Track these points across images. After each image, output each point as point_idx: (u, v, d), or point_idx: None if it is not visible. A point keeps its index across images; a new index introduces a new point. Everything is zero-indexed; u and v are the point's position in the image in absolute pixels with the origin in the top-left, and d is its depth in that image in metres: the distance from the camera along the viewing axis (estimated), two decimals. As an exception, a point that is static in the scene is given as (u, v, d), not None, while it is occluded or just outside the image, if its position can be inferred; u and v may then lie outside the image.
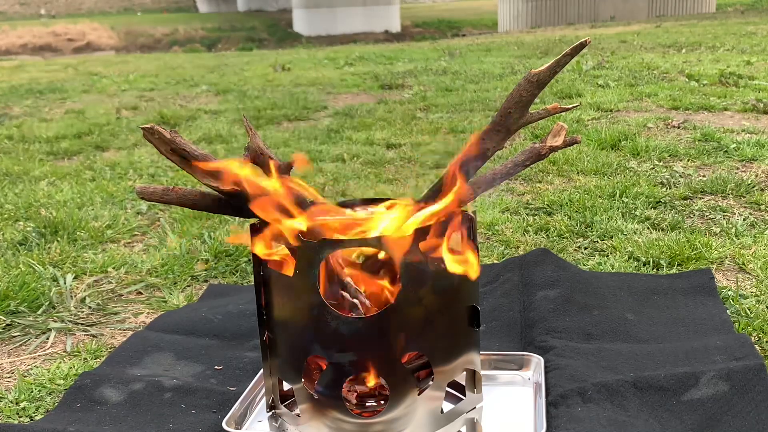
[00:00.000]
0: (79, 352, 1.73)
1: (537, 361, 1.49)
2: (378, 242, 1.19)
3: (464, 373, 1.35)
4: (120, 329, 1.86)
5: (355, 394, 1.30)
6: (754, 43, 7.65)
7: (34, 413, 1.47)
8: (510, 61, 7.43)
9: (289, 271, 1.26)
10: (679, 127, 3.76)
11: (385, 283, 1.30)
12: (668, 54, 7.24)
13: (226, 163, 1.24)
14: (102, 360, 1.67)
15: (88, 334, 1.84)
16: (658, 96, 4.70)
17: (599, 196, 2.64)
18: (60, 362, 1.69)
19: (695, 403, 1.30)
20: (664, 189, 2.72)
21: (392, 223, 1.28)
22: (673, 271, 2.00)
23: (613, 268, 2.03)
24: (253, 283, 1.33)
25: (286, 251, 1.24)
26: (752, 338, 1.59)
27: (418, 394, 1.25)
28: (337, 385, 1.23)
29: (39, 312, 1.93)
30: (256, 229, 1.28)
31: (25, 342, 1.80)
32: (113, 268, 2.22)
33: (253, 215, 1.28)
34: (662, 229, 2.32)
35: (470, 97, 5.16)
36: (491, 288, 1.90)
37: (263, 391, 1.42)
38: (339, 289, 1.29)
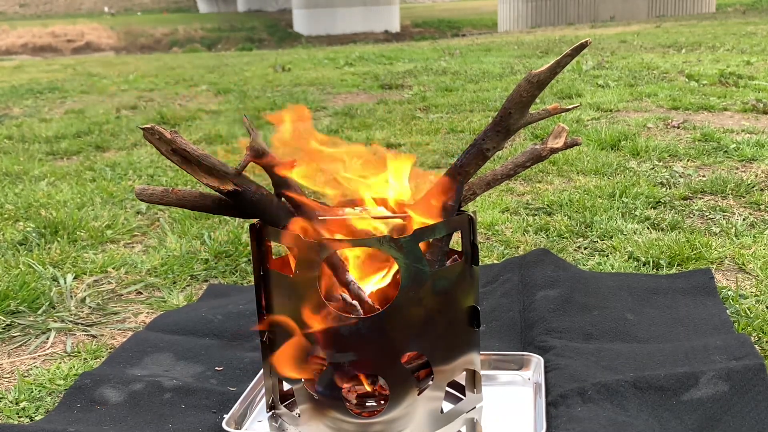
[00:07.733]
0: (79, 353, 1.73)
1: (537, 361, 1.49)
2: (378, 242, 1.19)
3: (464, 373, 1.35)
4: (120, 329, 1.86)
5: (355, 394, 1.30)
6: (754, 43, 7.65)
7: (34, 413, 1.47)
8: (510, 61, 7.43)
9: (289, 271, 1.26)
10: (678, 127, 3.76)
11: (385, 283, 1.30)
12: (668, 54, 7.24)
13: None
14: (102, 360, 1.67)
15: (88, 335, 1.84)
16: (658, 96, 4.70)
17: (599, 196, 2.64)
18: (60, 362, 1.69)
19: (695, 403, 1.30)
20: (664, 189, 2.72)
21: (392, 222, 1.28)
22: (673, 271, 2.00)
23: (613, 268, 2.03)
24: (253, 283, 1.33)
25: (287, 251, 1.24)
26: (752, 338, 1.59)
27: (418, 394, 1.25)
28: (338, 385, 1.23)
29: (39, 312, 1.93)
30: (256, 230, 1.28)
31: (25, 342, 1.80)
32: (113, 268, 2.22)
33: (252, 216, 1.28)
34: (662, 229, 2.32)
35: (470, 97, 5.16)
36: (491, 288, 1.90)
37: (263, 391, 1.42)
38: (340, 288, 1.29)
